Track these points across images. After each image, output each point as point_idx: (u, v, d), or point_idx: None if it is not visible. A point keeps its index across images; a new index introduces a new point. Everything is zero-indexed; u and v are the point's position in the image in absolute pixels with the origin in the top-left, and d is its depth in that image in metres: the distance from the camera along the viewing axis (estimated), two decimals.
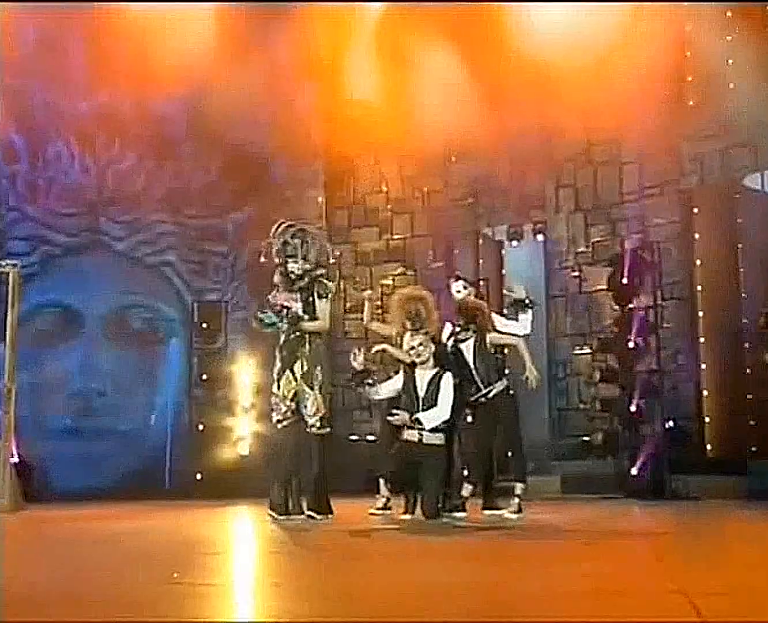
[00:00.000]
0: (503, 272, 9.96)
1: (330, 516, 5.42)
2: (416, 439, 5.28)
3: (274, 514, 5.39)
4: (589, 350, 9.47)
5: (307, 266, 5.47)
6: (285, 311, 5.40)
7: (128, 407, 9.89)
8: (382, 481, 5.77)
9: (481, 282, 8.95)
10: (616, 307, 8.78)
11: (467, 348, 5.65)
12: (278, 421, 5.50)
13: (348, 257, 10.72)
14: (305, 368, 5.39)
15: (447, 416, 5.33)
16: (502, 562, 3.55)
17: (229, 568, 3.80)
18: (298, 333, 5.41)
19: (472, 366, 5.64)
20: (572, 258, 9.87)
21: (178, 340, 10.29)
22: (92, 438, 9.55)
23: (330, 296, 5.57)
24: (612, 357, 8.74)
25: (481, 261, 9.95)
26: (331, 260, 5.92)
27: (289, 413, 5.44)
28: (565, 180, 9.93)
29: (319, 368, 5.41)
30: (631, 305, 8.51)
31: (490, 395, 5.58)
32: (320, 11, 10.21)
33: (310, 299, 5.45)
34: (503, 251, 9.97)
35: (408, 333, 5.67)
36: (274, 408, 5.54)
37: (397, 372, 5.70)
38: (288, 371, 5.43)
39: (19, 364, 7.44)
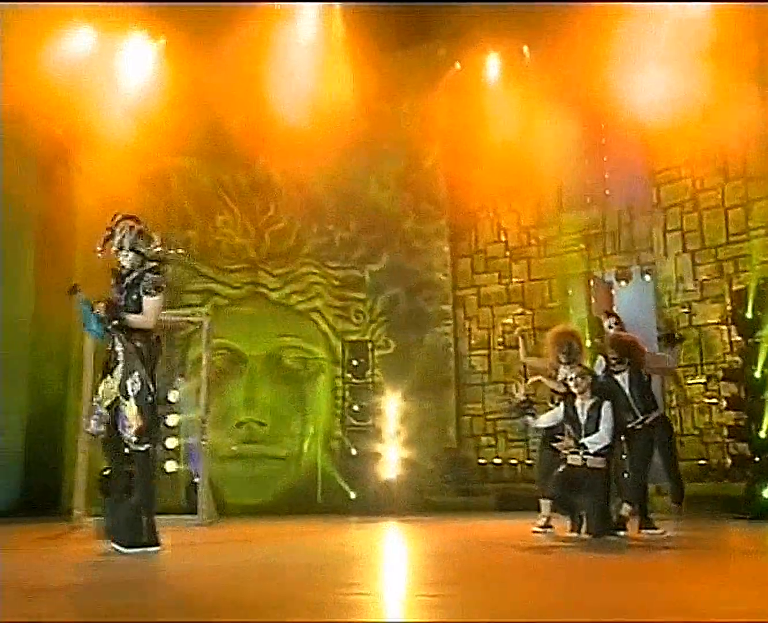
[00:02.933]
0: (614, 310, 10.85)
1: (151, 548, 4.77)
2: (580, 463, 5.53)
3: (119, 547, 4.70)
4: (703, 380, 10.02)
5: (136, 261, 4.96)
6: (92, 304, 4.90)
7: (284, 435, 11.29)
8: (543, 502, 6.01)
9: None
10: (738, 338, 9.15)
11: (623, 379, 5.91)
12: (94, 434, 4.98)
13: (472, 300, 11.88)
14: (121, 373, 4.88)
15: (609, 441, 5.55)
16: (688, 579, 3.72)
17: (405, 579, 4.13)
18: (115, 332, 4.88)
19: (629, 396, 5.89)
20: (681, 296, 10.48)
21: (326, 376, 11.62)
22: (255, 462, 10.96)
23: (161, 291, 4.98)
24: (736, 386, 8.99)
25: (593, 301, 10.90)
26: (155, 250, 5.13)
27: (106, 424, 4.91)
28: (671, 225, 10.64)
29: (136, 374, 4.86)
30: (755, 338, 8.71)
31: (647, 421, 5.86)
32: (443, 84, 11.65)
33: (137, 294, 4.92)
34: (613, 291, 10.84)
35: (562, 366, 6.05)
36: (92, 415, 5.00)
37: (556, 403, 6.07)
38: (108, 376, 4.93)
39: (198, 399, 8.76)
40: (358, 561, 4.99)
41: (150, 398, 4.91)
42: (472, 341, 11.84)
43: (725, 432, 9.30)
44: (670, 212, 10.61)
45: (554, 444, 5.79)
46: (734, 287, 9.68)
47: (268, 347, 11.49)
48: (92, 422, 4.95)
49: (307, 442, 11.33)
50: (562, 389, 5.95)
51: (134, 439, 4.81)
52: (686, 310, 10.44)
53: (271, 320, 11.59)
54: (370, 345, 10.99)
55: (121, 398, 4.83)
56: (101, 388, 4.94)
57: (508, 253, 11.86)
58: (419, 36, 11.47)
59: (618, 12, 9.89)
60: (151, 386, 4.93)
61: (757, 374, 8.50)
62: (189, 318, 9.75)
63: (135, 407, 4.81)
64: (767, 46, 9.75)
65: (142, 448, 4.83)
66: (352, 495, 10.18)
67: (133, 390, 4.82)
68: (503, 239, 11.89)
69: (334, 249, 12.11)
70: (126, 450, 4.85)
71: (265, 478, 10.83)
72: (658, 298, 10.68)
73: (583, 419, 5.62)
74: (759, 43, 9.77)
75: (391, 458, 10.43)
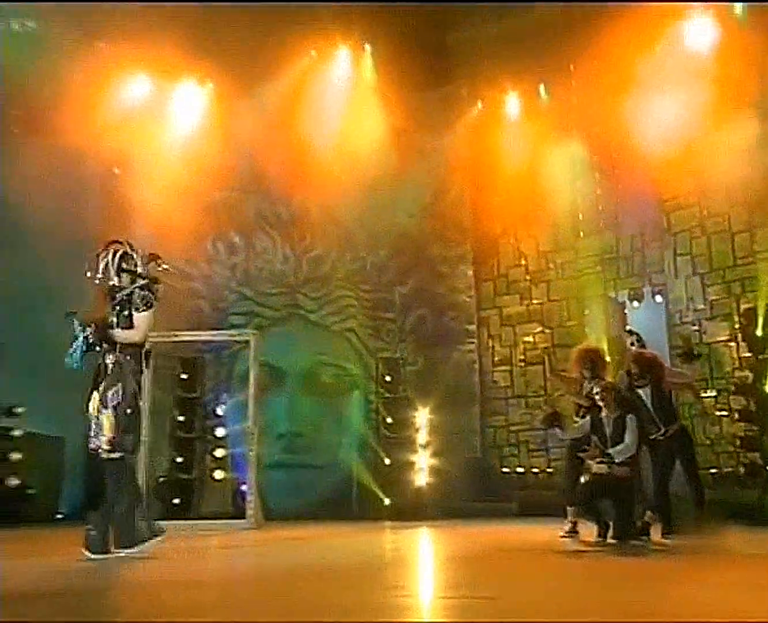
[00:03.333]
0: (627, 328, 11.55)
1: (156, 537, 5.02)
2: (606, 472, 5.74)
3: (88, 553, 4.84)
4: (713, 394, 10.56)
5: (127, 279, 5.14)
6: (85, 326, 5.04)
7: (322, 445, 12.06)
8: (569, 508, 6.16)
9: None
10: (747, 354, 9.73)
11: (645, 394, 6.15)
12: (91, 448, 5.06)
13: (495, 320, 12.72)
14: (104, 385, 5.02)
15: (633, 451, 5.76)
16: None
17: (445, 581, 4.28)
18: (104, 348, 5.06)
19: (651, 409, 6.13)
20: (692, 315, 11.12)
21: (359, 391, 12.45)
22: (295, 470, 11.69)
23: (150, 307, 5.12)
24: (745, 399, 9.56)
25: (607, 320, 11.63)
26: (138, 269, 5.24)
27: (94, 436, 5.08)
28: (681, 249, 11.33)
29: (120, 385, 5.01)
30: (765, 354, 9.29)
31: (668, 433, 6.08)
32: (465, 121, 12.56)
33: (128, 311, 5.08)
34: (626, 311, 11.58)
35: (587, 381, 6.33)
36: (90, 430, 5.08)
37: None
38: (95, 391, 5.08)
39: (244, 412, 9.42)
40: (400, 564, 5.35)
41: (129, 410, 5.00)
42: (495, 358, 12.67)
43: (738, 443, 9.78)
44: (680, 237, 11.31)
45: (581, 454, 6.01)
46: (742, 307, 10.31)
47: (306, 364, 12.33)
48: (92, 436, 5.01)
49: (342, 452, 12.11)
50: (588, 403, 6.20)
51: (106, 447, 4.91)
52: (696, 328, 11.02)
53: (309, 340, 12.46)
54: (401, 362, 11.79)
55: (100, 407, 4.95)
56: (90, 403, 5.03)
57: (528, 276, 12.69)
58: (443, 78, 12.45)
59: (628, 50, 10.63)
60: (133, 398, 5.04)
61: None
62: (236, 338, 10.68)
63: (112, 418, 4.92)
64: (766, 85, 10.44)
65: (114, 456, 4.92)
66: (387, 502, 10.83)
67: (112, 401, 4.95)
68: (523, 263, 12.73)
69: (366, 273, 13.01)
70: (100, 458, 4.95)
71: (304, 485, 11.52)
72: (669, 317, 11.32)
73: (608, 430, 5.85)
74: (760, 77, 10.43)
75: (422, 466, 11.10)
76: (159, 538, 5.01)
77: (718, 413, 10.57)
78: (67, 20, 11.04)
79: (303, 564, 5.19)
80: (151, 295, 5.14)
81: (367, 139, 12.12)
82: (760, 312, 9.69)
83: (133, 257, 5.20)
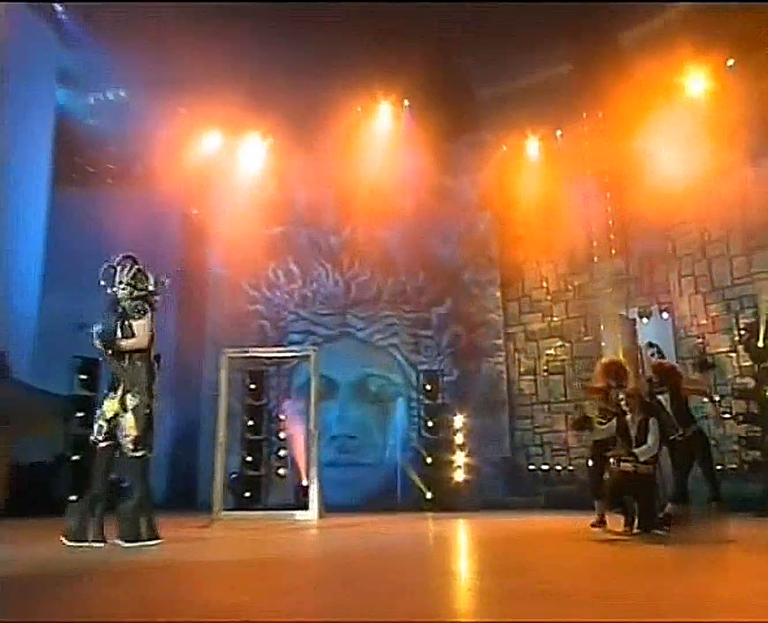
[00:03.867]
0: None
1: (152, 542, 5.21)
2: (631, 469, 6.15)
3: (65, 541, 5.09)
4: (717, 398, 11.22)
5: (125, 291, 5.44)
6: (99, 332, 5.36)
7: (369, 446, 13.61)
8: (596, 502, 6.77)
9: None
10: (746, 363, 10.88)
11: (665, 399, 6.60)
12: (94, 441, 5.38)
13: (520, 336, 14.18)
14: (122, 390, 5.34)
15: (655, 451, 6.18)
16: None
17: (496, 566, 4.52)
18: (116, 353, 5.37)
19: (670, 412, 6.53)
20: (696, 329, 12.33)
21: (402, 399, 13.98)
22: (346, 468, 13.03)
23: (145, 314, 5.43)
24: (746, 403, 10.43)
25: (620, 335, 13.09)
26: (150, 286, 5.60)
27: (105, 434, 5.35)
28: (685, 271, 12.63)
29: (136, 389, 5.34)
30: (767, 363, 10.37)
31: (686, 434, 6.45)
32: (492, 163, 14.18)
33: (128, 321, 5.39)
34: (636, 327, 12.97)
35: (612, 389, 6.76)
36: (94, 427, 5.43)
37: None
38: (111, 392, 5.38)
39: (301, 417, 11.04)
40: (457, 550, 5.90)
41: (147, 411, 5.36)
42: (521, 369, 14.09)
43: (743, 443, 10.47)
44: (684, 261, 12.59)
45: (607, 454, 6.51)
46: (741, 322, 11.53)
47: (355, 375, 13.89)
48: (95, 431, 5.37)
49: (387, 452, 13.66)
50: (614, 409, 6.63)
51: (131, 447, 5.27)
52: (701, 341, 12.16)
53: (358, 354, 14.06)
54: (439, 373, 13.15)
55: (120, 411, 5.29)
56: (105, 404, 5.38)
57: (548, 296, 14.09)
58: (473, 126, 14.05)
59: (632, 99, 11.94)
60: (148, 400, 5.38)
61: None
62: (297, 353, 12.32)
63: (132, 419, 5.26)
64: (754, 128, 11.77)
65: (138, 454, 5.29)
66: (429, 495, 12.02)
67: (131, 404, 5.28)
68: (544, 285, 14.15)
69: (407, 296, 14.56)
70: (120, 458, 5.32)
71: (355, 481, 12.84)
72: (676, 331, 12.60)
73: (633, 432, 6.27)
74: (748, 126, 11.61)
75: (459, 464, 12.42)
76: (156, 542, 5.23)
77: (722, 416, 11.33)
78: (152, 91, 13.02)
79: (373, 547, 5.97)
80: (143, 304, 5.45)
81: (406, 180, 13.80)
82: (762, 326, 10.75)
83: (146, 276, 5.58)
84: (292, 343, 13.72)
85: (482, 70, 13.40)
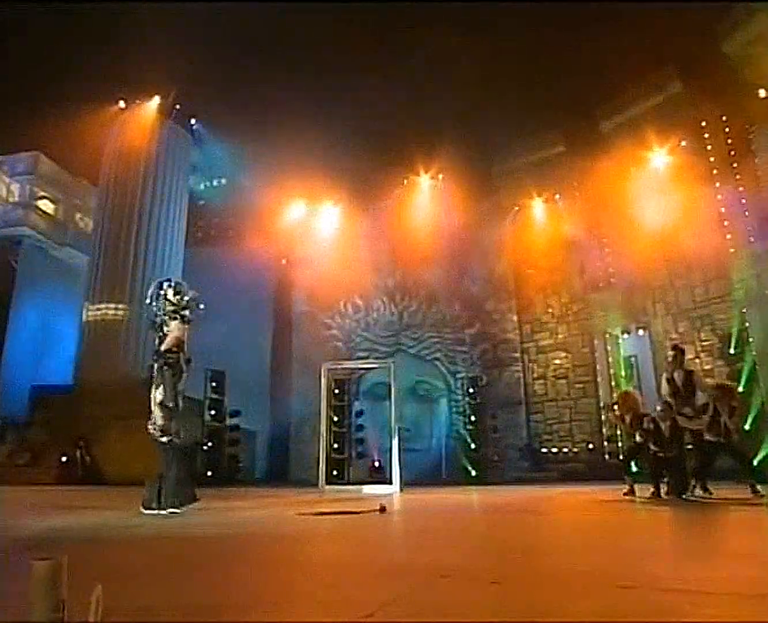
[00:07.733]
0: (672, 343, 16.63)
1: (183, 507, 5.62)
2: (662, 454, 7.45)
3: (142, 509, 5.53)
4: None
5: (160, 309, 5.99)
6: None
7: (420, 436, 17.47)
8: (626, 477, 7.91)
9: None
10: (708, 367, 14.51)
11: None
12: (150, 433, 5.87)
13: (533, 350, 18.17)
14: (153, 387, 5.87)
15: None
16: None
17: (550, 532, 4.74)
18: (157, 361, 5.90)
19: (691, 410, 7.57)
20: (668, 341, 15.59)
21: (445, 400, 17.92)
22: (403, 453, 15.88)
23: (172, 321, 5.91)
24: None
25: (609, 348, 17.19)
26: (184, 300, 6.08)
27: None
28: (657, 298, 16.41)
29: (161, 387, 5.80)
30: (737, 366, 13.80)
31: (703, 424, 7.45)
32: (507, 220, 18.41)
33: (162, 332, 5.94)
34: (619, 341, 17.04)
35: (632, 413, 7.97)
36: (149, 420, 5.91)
37: None
38: (150, 391, 5.92)
39: (369, 413, 15.17)
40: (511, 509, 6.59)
41: (171, 404, 5.81)
42: (534, 375, 18.05)
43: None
44: (656, 291, 16.34)
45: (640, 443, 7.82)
46: (702, 335, 15.37)
47: (408, 382, 17.65)
48: (149, 424, 5.88)
49: (434, 440, 17.69)
50: (629, 430, 8.18)
51: (158, 434, 5.76)
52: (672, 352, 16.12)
53: (409, 366, 17.93)
54: (479, 378, 16.76)
55: (152, 404, 5.83)
56: (151, 400, 5.89)
57: (554, 320, 18.05)
58: (492, 192, 18.27)
59: (613, 171, 15.79)
60: (174, 394, 5.82)
61: (740, 389, 13.02)
62: (379, 365, 15.90)
63: (159, 411, 5.76)
64: (721, 183, 15.09)
65: (164, 440, 5.74)
66: (473, 473, 15.41)
67: (157, 397, 5.80)
68: (551, 311, 18.14)
69: (446, 321, 18.61)
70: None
71: (410, 463, 15.70)
72: (652, 343, 16.61)
73: (666, 433, 7.59)
74: (712, 182, 15.29)
75: (491, 448, 16.13)
76: (195, 504, 5.82)
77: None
78: (248, 177, 17.44)
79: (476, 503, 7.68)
80: (173, 313, 5.95)
81: (443, 234, 18.00)
82: (733, 337, 14.51)
83: (180, 290, 6.11)
84: (359, 358, 17.81)
85: (497, 150, 17.67)
